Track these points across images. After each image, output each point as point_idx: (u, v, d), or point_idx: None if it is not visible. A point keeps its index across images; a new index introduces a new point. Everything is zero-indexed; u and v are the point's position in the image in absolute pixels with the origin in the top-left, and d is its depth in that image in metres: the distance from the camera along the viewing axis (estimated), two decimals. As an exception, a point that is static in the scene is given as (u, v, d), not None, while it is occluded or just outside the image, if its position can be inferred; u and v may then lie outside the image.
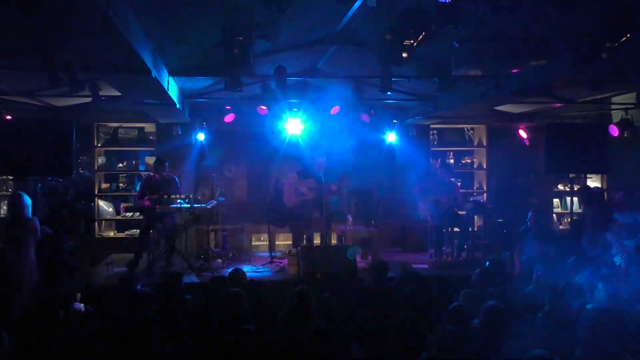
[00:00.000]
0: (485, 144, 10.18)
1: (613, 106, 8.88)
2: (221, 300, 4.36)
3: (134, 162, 9.64)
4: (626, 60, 5.25)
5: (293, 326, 4.17)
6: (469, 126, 10.38)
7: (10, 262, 5.71)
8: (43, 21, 3.87)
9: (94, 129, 9.31)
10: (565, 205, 10.08)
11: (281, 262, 7.72)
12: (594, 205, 6.56)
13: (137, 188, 8.04)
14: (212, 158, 9.61)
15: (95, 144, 9.36)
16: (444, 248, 8.16)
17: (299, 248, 7.32)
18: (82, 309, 4.83)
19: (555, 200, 10.24)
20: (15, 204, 5.76)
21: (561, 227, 9.93)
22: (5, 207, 7.92)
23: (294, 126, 8.69)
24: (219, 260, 7.92)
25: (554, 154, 7.07)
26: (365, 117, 8.79)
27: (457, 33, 4.18)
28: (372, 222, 8.59)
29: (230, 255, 8.41)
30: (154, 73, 5.35)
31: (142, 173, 9.41)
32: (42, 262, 6.12)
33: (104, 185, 9.62)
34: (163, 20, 4.95)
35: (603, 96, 8.33)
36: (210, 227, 8.31)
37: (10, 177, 8.67)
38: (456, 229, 8.30)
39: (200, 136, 9.17)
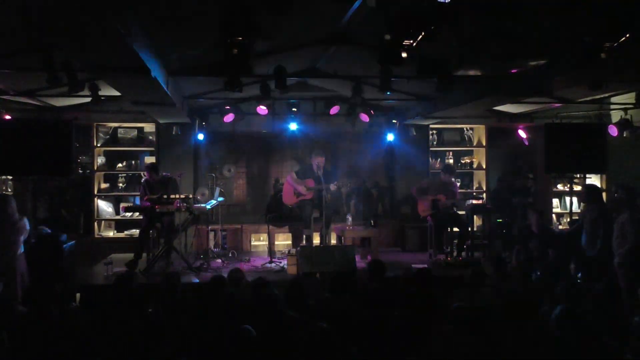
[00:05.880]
0: (484, 143, 10.18)
1: (612, 106, 8.89)
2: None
3: (133, 162, 9.62)
4: (626, 60, 5.25)
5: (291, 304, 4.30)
6: (468, 126, 10.38)
7: (3, 263, 5.70)
8: (43, 21, 3.87)
9: (93, 129, 9.30)
10: (564, 205, 10.08)
11: (280, 262, 7.71)
12: (594, 204, 6.55)
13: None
14: (211, 158, 9.62)
15: (95, 144, 9.35)
16: (443, 248, 8.15)
17: (299, 248, 7.31)
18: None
19: (555, 200, 10.24)
20: (2, 207, 5.71)
21: (560, 227, 9.93)
22: None
23: (293, 126, 8.69)
24: (219, 260, 7.93)
25: (554, 154, 7.07)
26: (364, 117, 8.79)
27: (457, 33, 4.18)
28: (372, 222, 8.58)
29: (230, 255, 8.42)
30: (153, 73, 5.35)
31: (142, 173, 9.41)
32: (41, 262, 6.12)
33: (104, 185, 9.61)
34: (163, 20, 4.95)
35: (603, 96, 8.33)
36: (209, 227, 8.31)
37: (10, 177, 8.66)
38: (456, 229, 8.30)
39: (200, 136, 9.17)
